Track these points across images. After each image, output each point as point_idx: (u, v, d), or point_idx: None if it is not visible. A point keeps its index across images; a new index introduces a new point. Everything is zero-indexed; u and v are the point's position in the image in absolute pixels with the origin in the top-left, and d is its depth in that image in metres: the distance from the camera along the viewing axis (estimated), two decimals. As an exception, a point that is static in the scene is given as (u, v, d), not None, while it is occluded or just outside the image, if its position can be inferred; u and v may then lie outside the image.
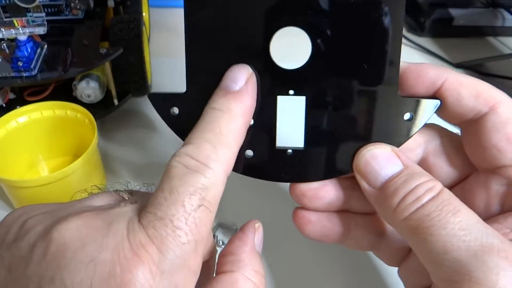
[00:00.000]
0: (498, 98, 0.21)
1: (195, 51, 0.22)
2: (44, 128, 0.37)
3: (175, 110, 0.22)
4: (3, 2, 0.36)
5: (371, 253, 0.31)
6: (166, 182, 0.18)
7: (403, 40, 0.29)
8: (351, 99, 0.22)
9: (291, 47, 0.25)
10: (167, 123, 0.23)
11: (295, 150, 0.23)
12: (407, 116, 0.22)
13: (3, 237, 0.19)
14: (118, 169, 0.40)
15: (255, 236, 0.21)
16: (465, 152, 0.23)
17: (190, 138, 0.20)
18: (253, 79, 0.21)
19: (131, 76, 0.43)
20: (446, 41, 0.57)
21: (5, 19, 0.37)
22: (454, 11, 0.58)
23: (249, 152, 0.23)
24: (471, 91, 0.21)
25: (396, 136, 0.22)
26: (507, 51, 0.57)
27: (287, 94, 0.22)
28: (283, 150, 0.23)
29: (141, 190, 0.22)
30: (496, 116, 0.21)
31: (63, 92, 0.43)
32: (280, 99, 0.22)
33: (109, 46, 0.41)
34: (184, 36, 0.22)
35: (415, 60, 0.23)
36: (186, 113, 0.22)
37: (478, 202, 0.22)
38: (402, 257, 0.25)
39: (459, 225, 0.18)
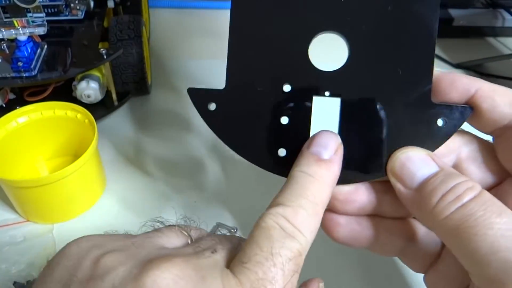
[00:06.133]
0: None
1: (237, 51, 0.23)
2: (44, 128, 0.37)
3: (212, 106, 0.23)
4: (3, 2, 0.36)
5: (392, 259, 0.30)
6: (266, 241, 0.18)
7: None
8: (385, 103, 0.22)
9: (329, 50, 0.26)
10: (203, 118, 0.23)
11: None
12: (440, 122, 0.22)
13: (73, 271, 0.18)
14: (119, 169, 0.40)
15: None
16: (498, 159, 0.22)
17: (284, 199, 0.20)
18: (342, 149, 0.22)
19: (131, 76, 0.43)
20: (446, 41, 0.57)
21: (5, 19, 0.37)
22: (454, 12, 0.58)
23: (282, 152, 0.23)
24: (506, 98, 0.21)
25: (430, 141, 0.22)
26: (507, 52, 0.57)
27: (323, 95, 0.22)
28: None
29: (191, 225, 0.23)
30: None
31: (63, 92, 0.43)
32: (316, 99, 0.22)
33: (109, 46, 0.42)
34: (228, 35, 0.23)
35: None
36: (222, 109, 0.23)
37: None
38: (430, 262, 0.24)
39: (505, 225, 0.18)
